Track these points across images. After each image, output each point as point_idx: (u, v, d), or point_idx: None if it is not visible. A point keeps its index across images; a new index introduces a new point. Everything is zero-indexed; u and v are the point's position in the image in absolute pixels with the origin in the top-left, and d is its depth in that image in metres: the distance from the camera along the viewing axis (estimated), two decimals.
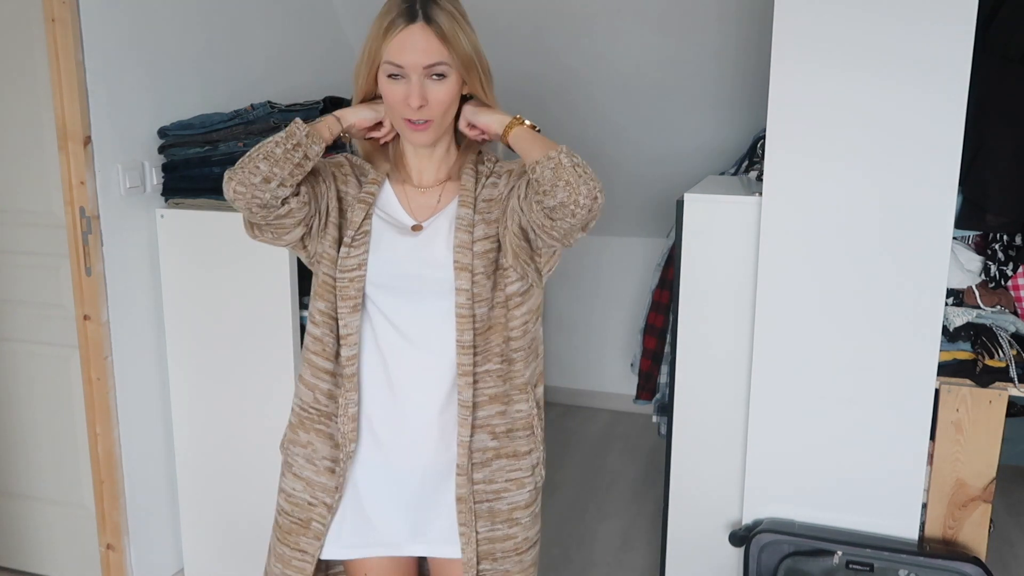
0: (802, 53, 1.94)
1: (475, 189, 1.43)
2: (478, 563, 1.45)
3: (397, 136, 1.47)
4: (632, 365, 3.03)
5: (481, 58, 1.37)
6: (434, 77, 1.32)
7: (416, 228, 1.44)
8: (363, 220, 1.42)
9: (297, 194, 1.35)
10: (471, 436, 1.42)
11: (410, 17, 1.32)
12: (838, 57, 1.91)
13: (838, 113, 1.94)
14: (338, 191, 1.45)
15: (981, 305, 2.08)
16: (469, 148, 1.47)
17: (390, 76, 1.34)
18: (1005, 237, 2.11)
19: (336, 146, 1.51)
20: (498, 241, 1.43)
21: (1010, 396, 2.01)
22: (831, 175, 1.97)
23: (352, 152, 1.58)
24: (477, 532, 1.44)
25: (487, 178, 1.46)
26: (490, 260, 1.42)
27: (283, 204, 1.34)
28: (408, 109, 1.33)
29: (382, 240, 1.42)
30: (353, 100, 1.45)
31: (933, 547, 2.09)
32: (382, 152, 1.50)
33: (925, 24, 1.85)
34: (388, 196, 1.47)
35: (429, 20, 1.31)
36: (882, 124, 1.92)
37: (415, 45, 1.31)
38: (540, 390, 1.53)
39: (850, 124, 1.94)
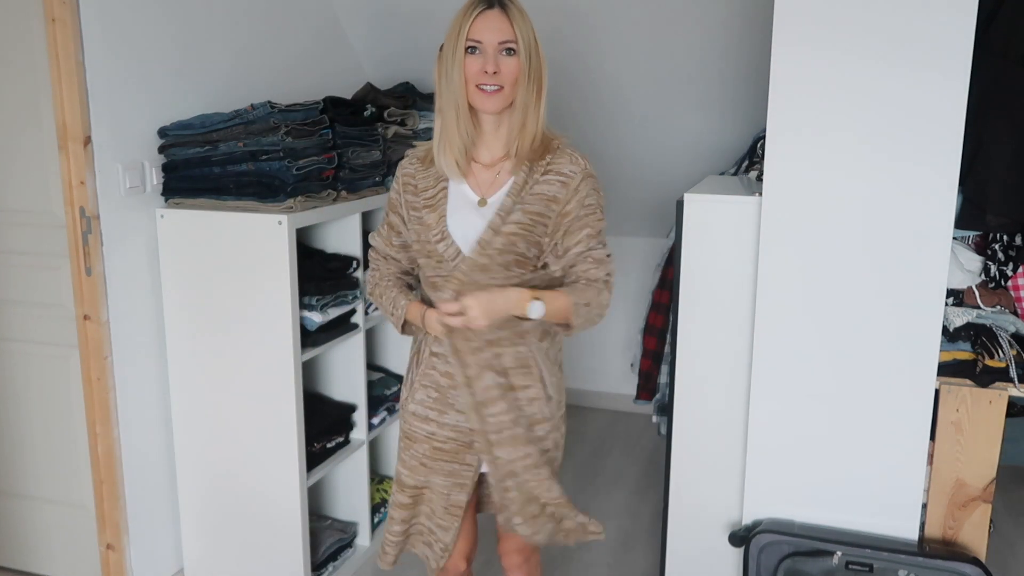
0: (803, 54, 1.94)
1: (524, 184, 1.71)
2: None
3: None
4: (632, 365, 3.03)
5: (539, 49, 1.68)
6: (504, 53, 1.64)
7: (482, 203, 1.74)
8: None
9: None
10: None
11: (489, 4, 1.65)
12: (838, 58, 1.91)
13: (838, 113, 1.94)
14: (408, 204, 1.80)
15: (981, 305, 2.08)
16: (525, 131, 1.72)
17: (469, 51, 1.64)
18: (1005, 237, 2.11)
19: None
20: (531, 229, 1.72)
21: (1010, 396, 2.01)
22: (831, 175, 1.97)
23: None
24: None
25: (542, 174, 1.72)
26: (515, 243, 1.71)
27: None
28: (483, 76, 1.63)
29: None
30: (437, 89, 1.72)
31: (932, 547, 2.09)
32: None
33: (925, 24, 1.85)
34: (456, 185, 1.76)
35: (504, 7, 1.65)
36: (882, 124, 1.92)
37: (491, 25, 1.63)
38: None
39: (850, 124, 1.94)
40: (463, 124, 1.69)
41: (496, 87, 1.64)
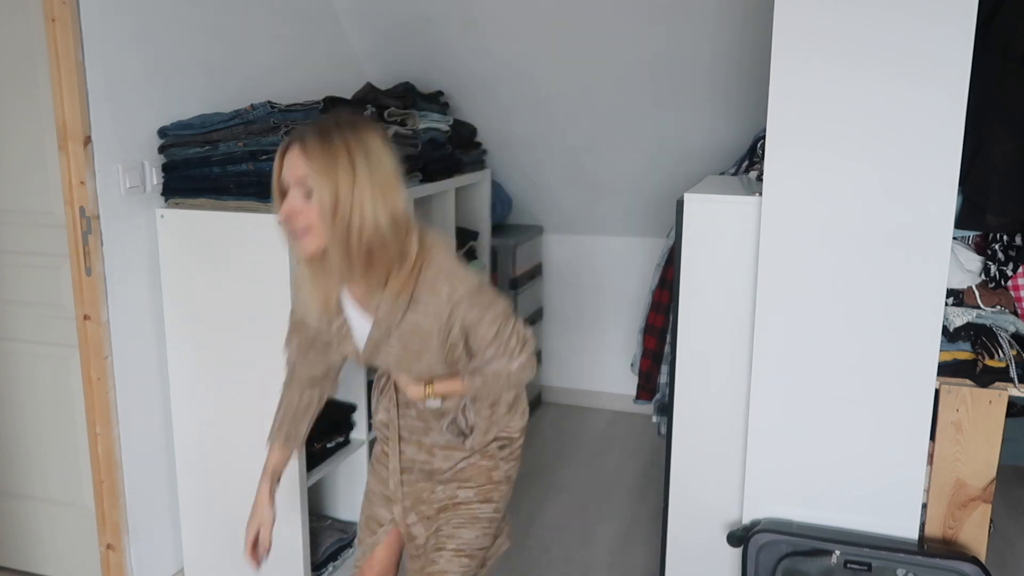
0: (802, 53, 1.94)
1: (395, 318, 1.64)
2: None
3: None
4: (632, 365, 3.03)
5: (356, 186, 1.51)
6: (303, 196, 1.52)
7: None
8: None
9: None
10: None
11: (296, 140, 1.54)
12: (838, 57, 1.91)
13: (838, 113, 1.94)
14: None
15: (981, 305, 2.08)
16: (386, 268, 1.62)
17: (281, 194, 1.57)
18: (1005, 237, 2.10)
19: None
20: (418, 354, 1.69)
21: (1010, 396, 2.01)
22: (831, 175, 1.97)
23: None
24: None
25: (409, 303, 1.63)
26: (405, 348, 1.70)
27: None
28: (287, 219, 1.54)
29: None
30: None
31: (932, 547, 2.09)
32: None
33: (925, 24, 1.85)
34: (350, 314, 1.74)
35: (304, 144, 1.51)
36: (882, 124, 1.91)
37: (291, 162, 1.53)
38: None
39: (850, 124, 1.94)
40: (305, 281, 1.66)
41: (303, 230, 1.53)
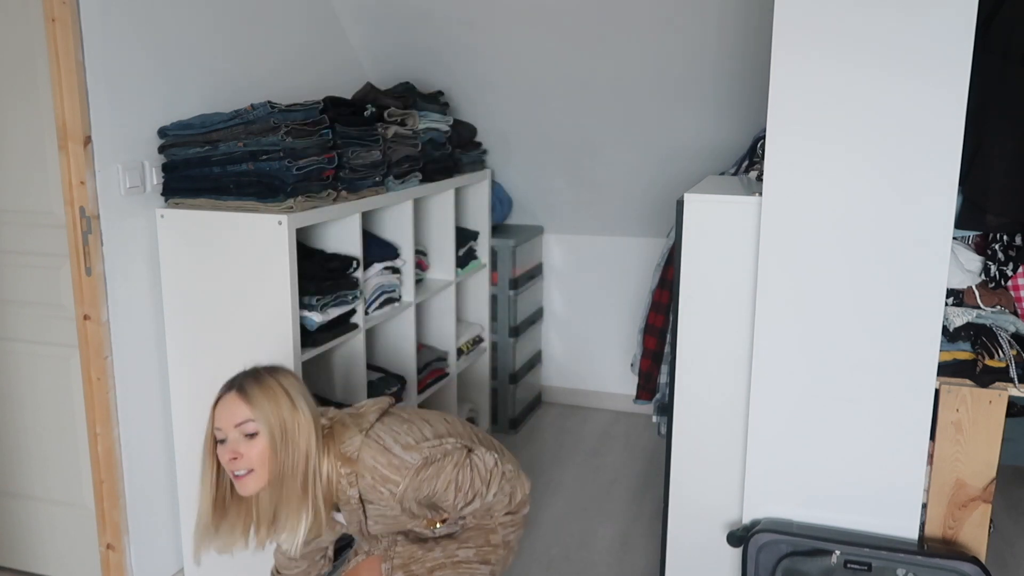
0: (803, 53, 1.94)
1: (360, 518, 1.76)
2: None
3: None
4: (632, 365, 3.03)
5: (296, 420, 1.64)
6: (246, 436, 1.61)
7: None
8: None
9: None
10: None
11: (227, 389, 1.65)
12: (838, 57, 1.91)
13: (838, 113, 1.94)
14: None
15: (981, 305, 2.08)
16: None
17: (219, 442, 1.63)
18: (1005, 237, 2.10)
19: None
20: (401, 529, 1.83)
21: (1010, 396, 2.01)
22: (831, 175, 1.97)
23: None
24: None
25: (367, 505, 1.75)
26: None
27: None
28: (229, 464, 1.62)
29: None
30: (202, 480, 1.72)
31: (932, 547, 2.09)
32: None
33: (925, 24, 1.85)
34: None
35: (240, 389, 1.63)
36: (882, 124, 1.91)
37: (227, 410, 1.62)
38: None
39: (850, 124, 1.94)
40: (214, 516, 1.72)
41: (245, 471, 1.63)
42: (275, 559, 2.02)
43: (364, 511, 1.74)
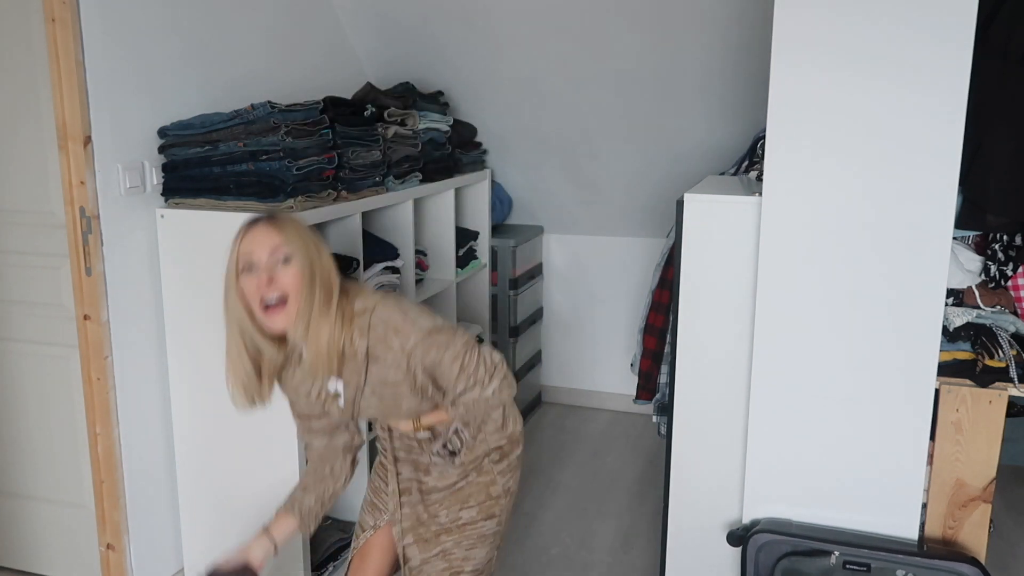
0: (802, 53, 1.94)
1: (360, 377, 1.71)
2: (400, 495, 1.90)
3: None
4: (632, 365, 3.02)
5: (322, 254, 1.64)
6: (280, 262, 1.59)
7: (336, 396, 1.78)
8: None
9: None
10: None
11: (254, 221, 1.62)
12: (838, 56, 1.91)
13: (838, 113, 1.94)
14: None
15: (981, 305, 2.08)
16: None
17: (244, 271, 1.61)
18: (1005, 237, 2.10)
19: None
20: (395, 400, 1.75)
21: (1010, 396, 2.01)
22: (831, 175, 1.97)
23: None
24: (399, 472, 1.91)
25: (369, 361, 1.69)
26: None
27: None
28: (261, 289, 1.58)
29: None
30: (229, 329, 1.71)
31: (931, 547, 2.09)
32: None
33: (925, 24, 1.85)
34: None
35: (269, 219, 1.62)
36: (882, 124, 1.91)
37: (259, 237, 1.60)
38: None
39: (850, 124, 1.93)
40: (252, 346, 1.68)
41: (277, 297, 1.59)
42: (309, 447, 1.94)
43: (366, 371, 1.69)
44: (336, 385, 1.75)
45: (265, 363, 1.71)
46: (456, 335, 1.71)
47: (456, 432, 1.84)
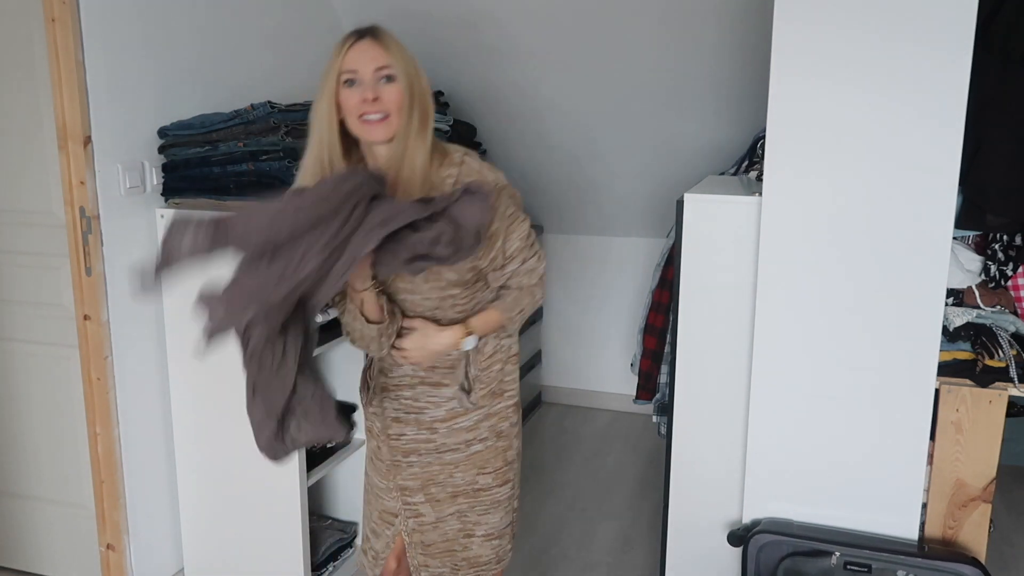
0: (802, 53, 1.94)
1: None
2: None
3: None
4: (632, 365, 3.03)
5: (420, 76, 1.63)
6: (383, 80, 1.59)
7: None
8: None
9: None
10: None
11: (359, 35, 1.63)
12: (838, 56, 1.91)
13: (838, 113, 1.94)
14: None
15: (981, 305, 2.08)
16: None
17: (346, 84, 1.60)
18: (1005, 237, 2.10)
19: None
20: None
21: (1010, 396, 2.01)
22: (831, 175, 1.97)
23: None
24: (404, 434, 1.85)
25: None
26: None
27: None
28: (364, 105, 1.58)
29: None
30: (312, 134, 1.66)
31: (932, 548, 2.09)
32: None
33: (925, 25, 1.85)
34: None
35: (375, 36, 1.62)
36: (882, 124, 1.91)
37: (365, 54, 1.60)
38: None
39: (850, 124, 1.94)
40: (324, 164, 1.62)
41: (380, 115, 1.58)
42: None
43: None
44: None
45: None
46: (525, 215, 1.73)
47: (467, 364, 1.77)
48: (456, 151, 1.69)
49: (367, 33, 1.62)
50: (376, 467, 1.93)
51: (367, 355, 1.88)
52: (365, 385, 1.91)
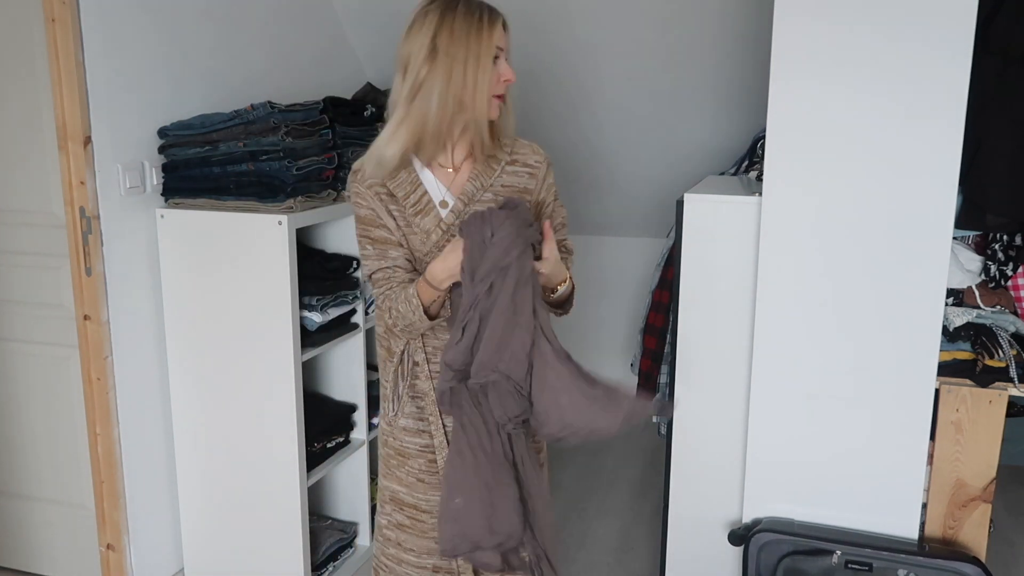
0: (802, 53, 1.94)
1: (492, 175, 1.68)
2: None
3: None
4: (632, 365, 3.03)
5: None
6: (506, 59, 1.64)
7: (443, 204, 1.67)
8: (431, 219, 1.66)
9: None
10: None
11: (495, 14, 1.63)
12: (838, 57, 1.91)
13: (838, 113, 1.94)
14: (388, 212, 1.66)
15: (981, 305, 2.08)
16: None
17: (495, 59, 1.60)
18: (1005, 237, 2.11)
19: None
20: None
21: (1010, 396, 2.01)
22: (831, 175, 1.97)
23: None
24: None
25: (507, 164, 1.70)
26: None
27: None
28: (501, 85, 1.61)
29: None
30: (443, 84, 1.58)
31: (932, 547, 2.09)
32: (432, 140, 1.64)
33: (925, 25, 1.85)
34: (427, 181, 1.68)
35: (504, 22, 1.64)
36: (882, 124, 1.92)
37: (503, 34, 1.62)
38: None
39: (850, 124, 1.94)
40: (448, 128, 1.62)
41: (502, 96, 1.64)
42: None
43: (503, 169, 1.69)
44: (445, 193, 1.66)
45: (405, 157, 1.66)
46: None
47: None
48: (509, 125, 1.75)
49: (498, 15, 1.63)
50: (432, 476, 1.71)
51: (401, 352, 1.71)
52: (395, 390, 1.73)
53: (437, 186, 1.66)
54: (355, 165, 1.69)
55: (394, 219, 1.64)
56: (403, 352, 1.70)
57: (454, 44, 1.56)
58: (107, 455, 2.38)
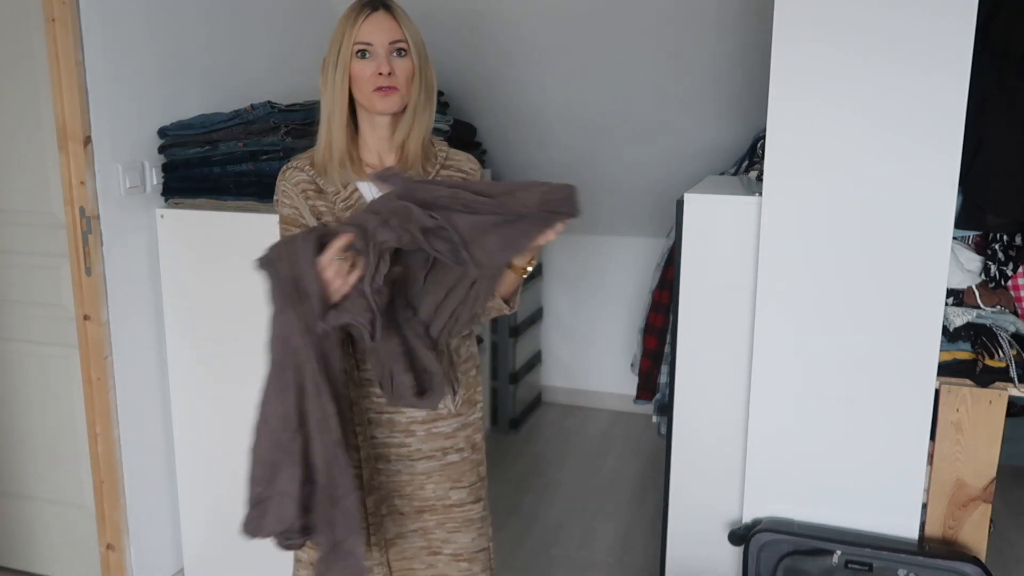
0: (802, 53, 1.94)
1: (426, 178, 1.67)
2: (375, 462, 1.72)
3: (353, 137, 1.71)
4: (632, 365, 3.03)
5: (426, 51, 1.67)
6: (396, 53, 1.62)
7: None
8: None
9: None
10: None
11: (374, 7, 1.62)
12: (838, 57, 1.91)
13: (838, 112, 1.94)
14: (313, 210, 1.67)
15: (981, 305, 2.08)
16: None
17: (359, 55, 1.62)
18: (1005, 237, 2.11)
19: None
20: None
21: (1010, 396, 2.01)
22: (831, 175, 1.97)
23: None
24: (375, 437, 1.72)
25: (440, 170, 1.71)
26: None
27: None
28: (378, 78, 1.60)
29: None
30: (324, 102, 1.70)
31: (933, 547, 2.09)
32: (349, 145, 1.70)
33: (925, 23, 1.85)
34: (360, 184, 1.69)
35: (388, 8, 1.63)
36: (882, 124, 1.92)
37: (380, 26, 1.61)
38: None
39: (850, 124, 1.94)
40: (342, 130, 1.67)
41: (392, 88, 1.61)
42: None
43: (437, 173, 1.70)
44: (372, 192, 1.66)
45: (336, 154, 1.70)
46: None
47: (450, 364, 1.68)
48: (442, 141, 1.75)
49: (380, 5, 1.62)
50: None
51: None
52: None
53: (369, 188, 1.67)
54: (285, 166, 1.73)
55: (318, 217, 1.65)
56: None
57: (329, 48, 1.67)
58: (107, 455, 2.38)
